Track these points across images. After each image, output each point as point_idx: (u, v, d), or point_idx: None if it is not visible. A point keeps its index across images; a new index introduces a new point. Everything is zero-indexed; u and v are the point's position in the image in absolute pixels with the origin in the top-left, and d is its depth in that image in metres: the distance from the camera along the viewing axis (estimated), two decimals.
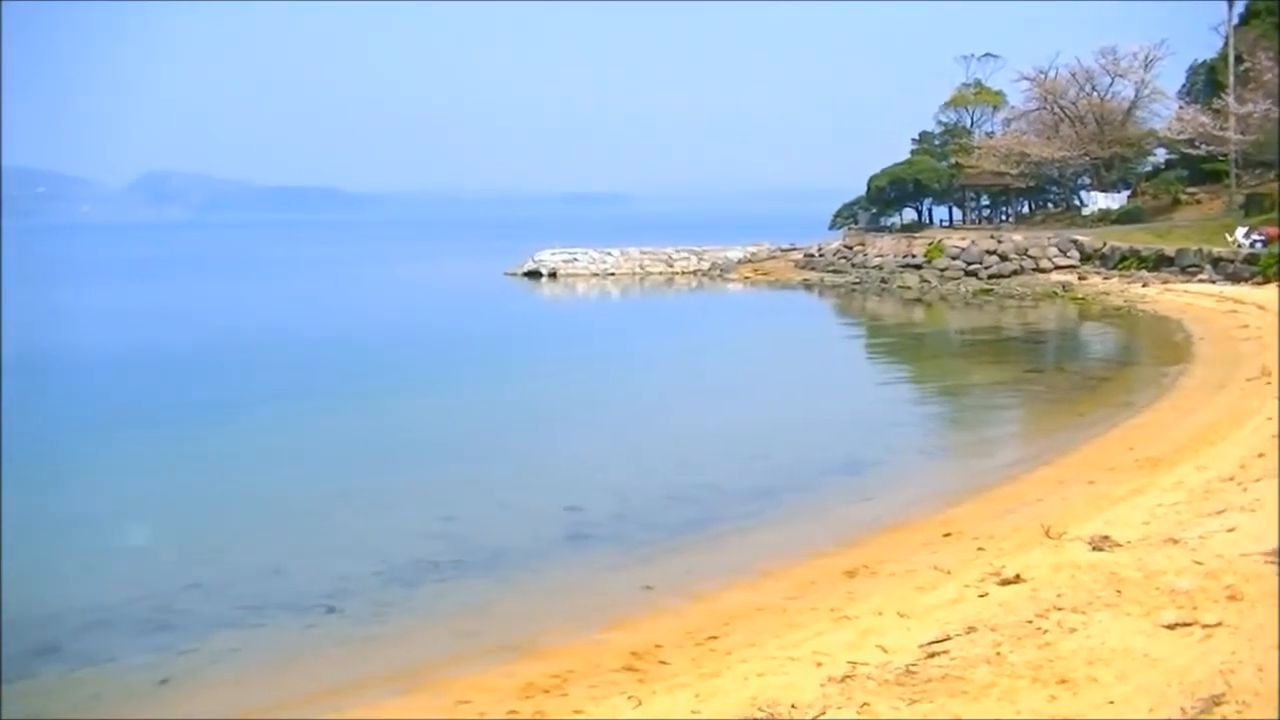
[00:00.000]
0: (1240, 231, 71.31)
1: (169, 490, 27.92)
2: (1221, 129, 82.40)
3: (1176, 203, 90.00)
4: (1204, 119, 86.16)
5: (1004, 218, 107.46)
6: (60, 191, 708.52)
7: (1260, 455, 22.43)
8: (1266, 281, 60.34)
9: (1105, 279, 73.80)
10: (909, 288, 79.17)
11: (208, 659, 17.55)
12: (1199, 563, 14.53)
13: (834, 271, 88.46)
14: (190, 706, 15.89)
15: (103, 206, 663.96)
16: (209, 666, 17.32)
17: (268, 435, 33.63)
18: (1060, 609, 13.51)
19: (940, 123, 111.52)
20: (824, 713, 11.37)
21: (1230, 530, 16.28)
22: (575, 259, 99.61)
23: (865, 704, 11.37)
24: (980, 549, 19.47)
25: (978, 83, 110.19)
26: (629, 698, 13.95)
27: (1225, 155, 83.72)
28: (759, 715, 11.79)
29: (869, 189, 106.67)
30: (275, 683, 16.71)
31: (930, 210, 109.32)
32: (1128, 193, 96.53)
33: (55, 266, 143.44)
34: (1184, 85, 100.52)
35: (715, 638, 16.59)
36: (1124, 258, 75.40)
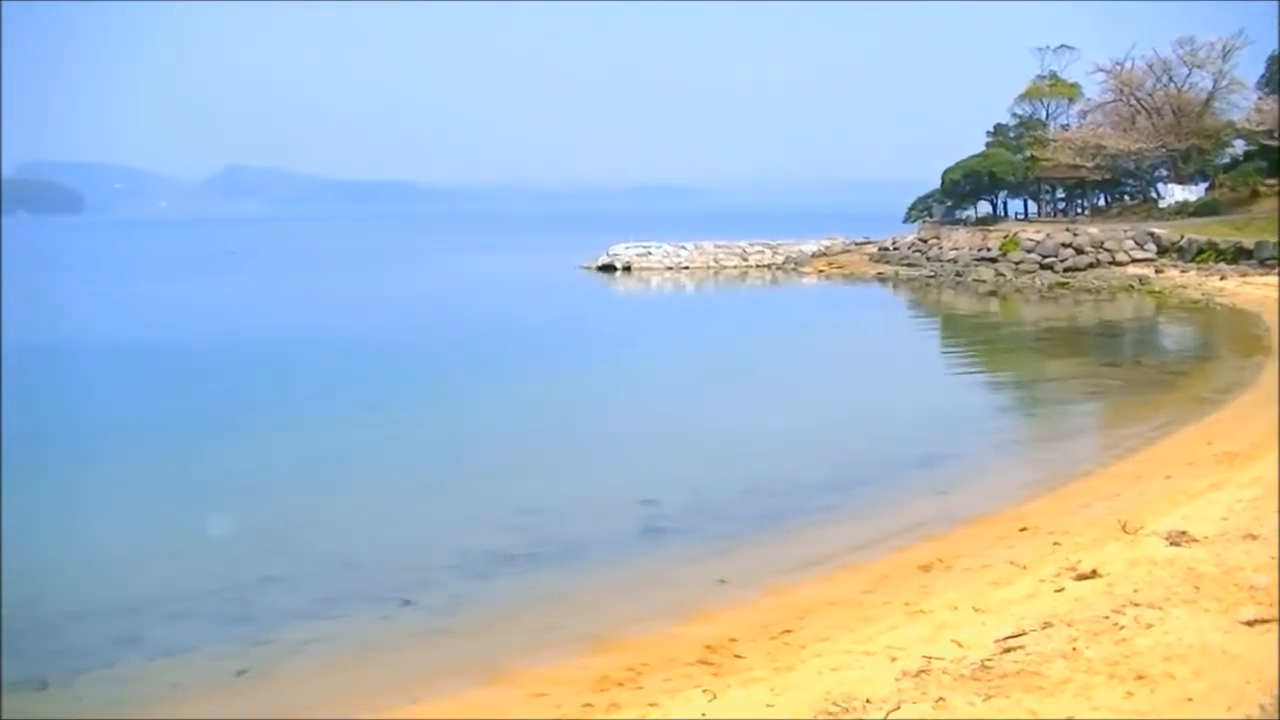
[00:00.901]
0: None
1: (249, 483, 28.17)
2: None
3: (1255, 195, 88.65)
4: None
5: (1079, 211, 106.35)
6: (138, 188, 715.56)
7: None
8: None
9: (1182, 272, 72.94)
10: (984, 281, 78.66)
11: (285, 650, 17.73)
12: (1277, 558, 14.43)
13: (908, 265, 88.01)
14: (267, 698, 16.05)
15: (179, 202, 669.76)
16: (286, 658, 17.50)
17: (346, 429, 33.85)
18: (1137, 605, 13.46)
19: (1015, 115, 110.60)
20: (898, 708, 11.37)
21: None
22: (649, 253, 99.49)
23: (940, 699, 11.37)
24: (1056, 544, 19.39)
25: (1053, 75, 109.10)
26: (703, 691, 13.99)
27: None
28: (834, 710, 11.80)
29: (943, 182, 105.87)
30: (352, 675, 16.88)
31: (1005, 203, 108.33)
32: (1205, 185, 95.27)
33: (132, 261, 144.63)
34: (1263, 76, 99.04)
35: (790, 631, 16.60)
36: (1201, 251, 74.54)
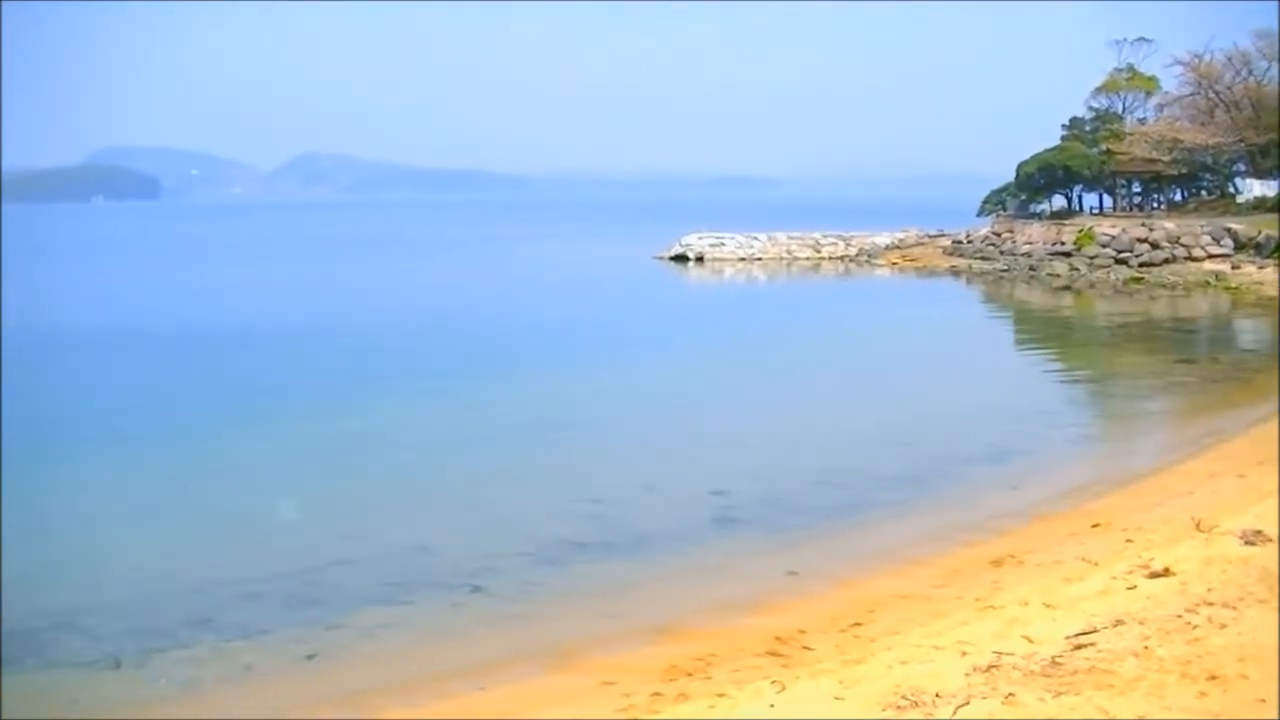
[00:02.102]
0: None
1: (320, 467, 28.45)
2: None
3: None
4: None
5: (1156, 205, 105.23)
6: (213, 174, 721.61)
7: None
8: None
9: (1260, 268, 72.08)
10: (1058, 275, 77.97)
11: (355, 634, 17.88)
12: None
13: (982, 258, 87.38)
14: (337, 681, 16.24)
15: (253, 188, 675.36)
16: (356, 642, 17.65)
17: (419, 415, 34.09)
18: (1211, 604, 13.37)
19: (1091, 108, 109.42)
20: (968, 703, 11.35)
21: None
22: (722, 243, 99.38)
23: (1010, 695, 11.34)
24: (1128, 541, 19.28)
25: (1130, 68, 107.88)
26: (772, 682, 14.00)
27: None
28: (902, 703, 11.80)
29: (1018, 175, 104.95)
30: (421, 659, 17.02)
31: (1080, 197, 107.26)
32: None
33: (208, 246, 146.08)
34: None
35: (859, 624, 16.61)
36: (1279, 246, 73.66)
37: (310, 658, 16.96)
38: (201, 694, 15.94)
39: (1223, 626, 12.41)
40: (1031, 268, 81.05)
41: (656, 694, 14.47)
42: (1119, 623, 13.30)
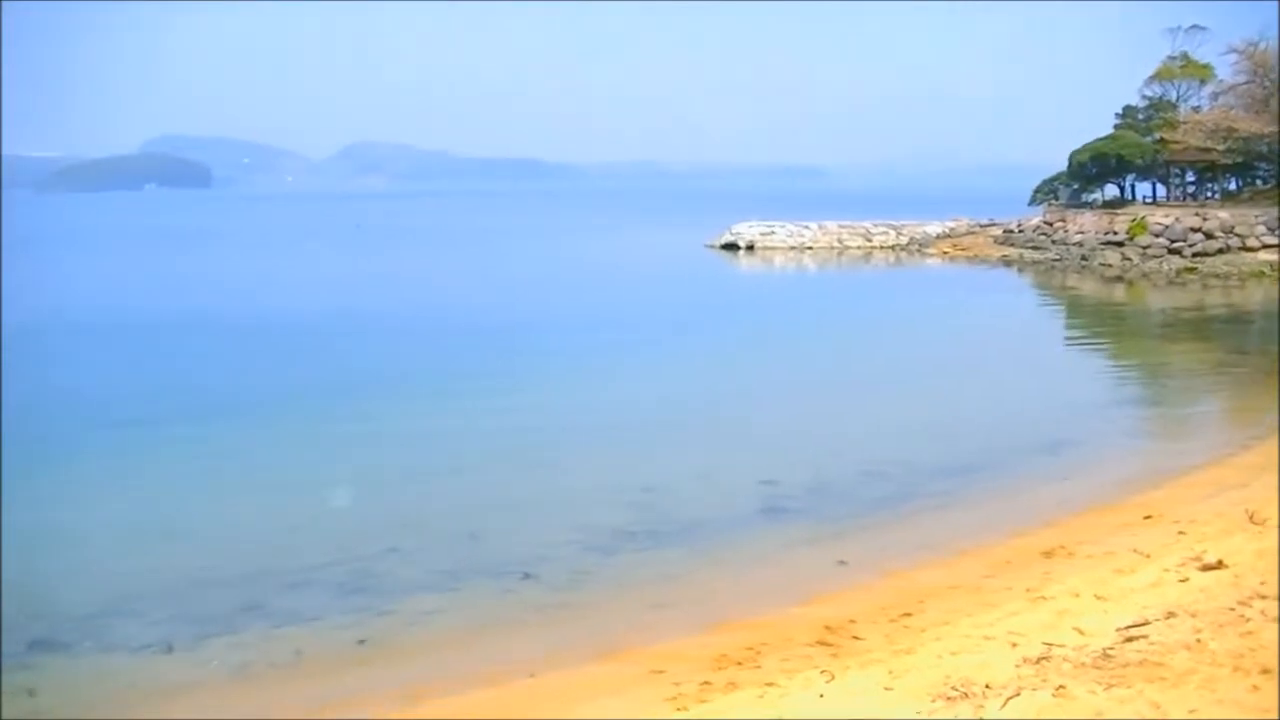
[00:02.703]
0: None
1: (372, 455, 28.59)
2: None
3: None
4: None
5: (1210, 194, 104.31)
6: (265, 163, 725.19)
7: None
8: None
9: None
10: (1110, 265, 77.59)
11: (406, 621, 18.00)
12: None
13: (1033, 248, 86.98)
14: (387, 668, 16.31)
15: (306, 177, 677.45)
16: (407, 629, 17.76)
17: (469, 406, 34.11)
18: (1264, 597, 13.28)
19: (1145, 97, 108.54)
20: (1018, 694, 11.32)
21: None
22: (773, 232, 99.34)
23: (1061, 686, 11.30)
24: (1181, 533, 19.18)
25: (1184, 55, 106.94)
26: (821, 672, 14.02)
27: None
28: (952, 694, 11.78)
29: (1070, 164, 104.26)
30: (471, 647, 17.09)
31: (1133, 186, 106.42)
32: None
33: (259, 234, 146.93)
34: None
35: (909, 614, 16.61)
36: None
37: (361, 643, 17.08)
38: (252, 678, 16.06)
39: (1276, 620, 12.33)
40: (1083, 257, 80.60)
41: (706, 683, 14.51)
42: (1171, 615, 13.23)
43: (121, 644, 16.99)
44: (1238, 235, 76.85)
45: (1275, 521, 17.81)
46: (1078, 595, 15.63)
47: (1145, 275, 74.05)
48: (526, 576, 19.54)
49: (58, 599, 18.71)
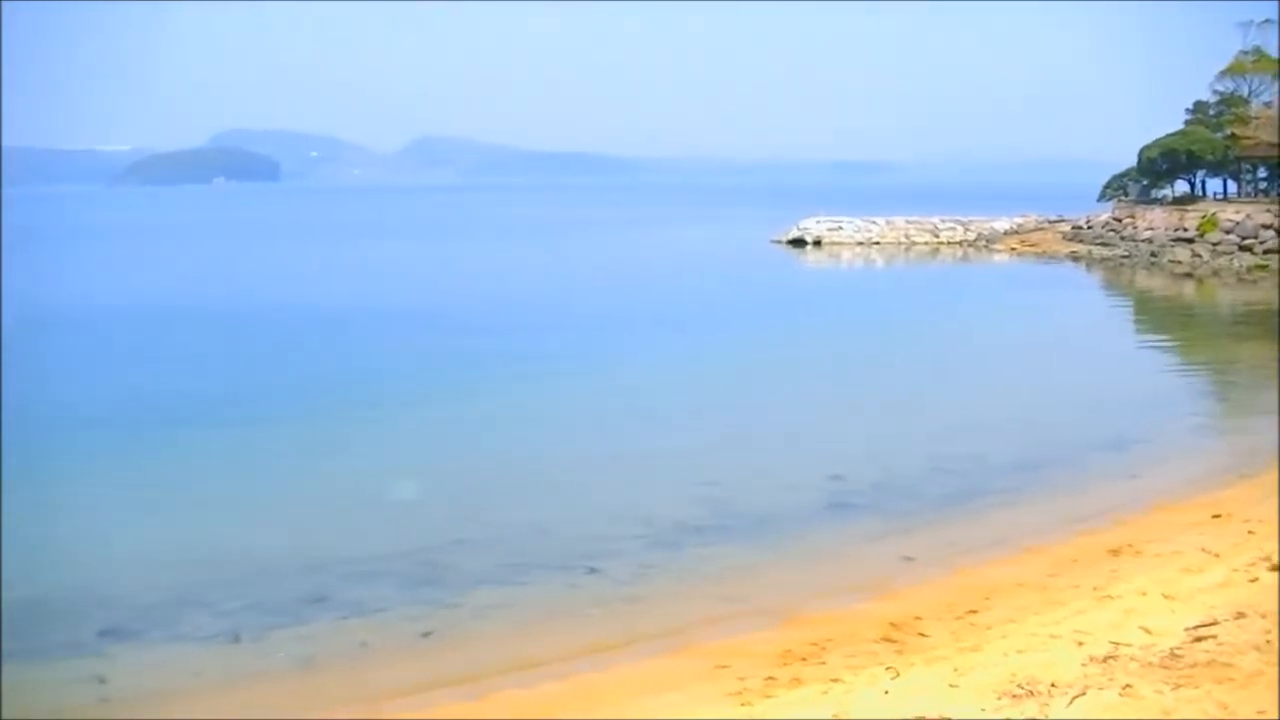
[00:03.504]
0: None
1: (438, 448, 28.77)
2: None
3: None
4: None
5: None
6: (332, 155, 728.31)
7: None
8: None
9: None
10: (1179, 262, 76.90)
11: (470, 614, 18.10)
12: None
13: (1102, 244, 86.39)
14: (451, 660, 16.43)
15: (373, 170, 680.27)
16: (471, 621, 17.86)
17: (536, 398, 34.30)
18: None
19: (1216, 92, 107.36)
20: (1084, 693, 11.29)
21: None
22: (840, 227, 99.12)
23: (1127, 686, 11.26)
24: (1250, 532, 19.01)
25: (1257, 50, 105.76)
26: (886, 668, 14.00)
27: None
28: (1018, 692, 11.75)
29: (1139, 160, 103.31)
30: (536, 640, 17.12)
31: (1203, 182, 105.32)
32: None
33: (326, 227, 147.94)
34: None
35: (975, 612, 16.56)
36: None
37: (425, 636, 17.18)
38: (317, 670, 16.21)
39: None
40: (1153, 254, 79.98)
41: (770, 678, 14.51)
42: (1240, 615, 13.15)
43: (189, 634, 17.18)
44: None
45: None
46: (1145, 594, 15.54)
47: (1215, 272, 73.38)
48: (592, 570, 19.60)
49: (129, 588, 18.90)
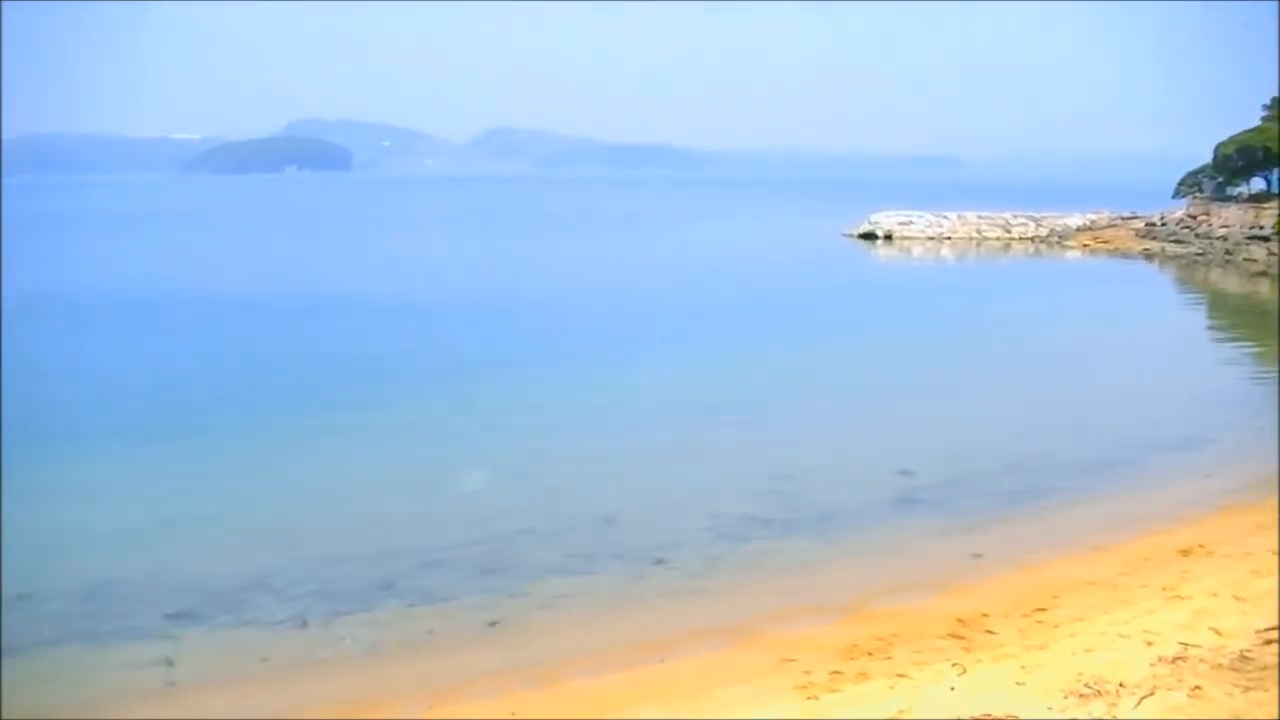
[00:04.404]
0: None
1: (508, 438, 28.87)
2: None
3: None
4: None
5: None
6: (405, 146, 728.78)
7: None
8: None
9: None
10: (1254, 260, 76.00)
11: (537, 603, 18.20)
12: None
13: (1176, 241, 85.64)
14: (517, 649, 16.51)
15: (445, 161, 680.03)
16: (538, 611, 17.95)
17: (604, 389, 34.40)
18: None
19: None
20: (1153, 693, 11.26)
21: None
22: (911, 222, 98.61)
23: (1197, 687, 11.22)
24: None
25: None
26: (953, 665, 14.01)
27: None
28: (1085, 691, 11.73)
29: (1215, 157, 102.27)
30: (602, 631, 17.28)
31: None
32: None
33: (397, 217, 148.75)
34: None
35: (1043, 609, 16.49)
36: None
37: (492, 625, 17.29)
38: (384, 656, 16.36)
39: None
40: (1227, 252, 79.20)
41: (836, 672, 14.53)
42: None
43: (257, 619, 17.39)
44: None
45: None
46: (1215, 595, 15.46)
47: None
48: (659, 562, 19.66)
49: (197, 572, 19.11)
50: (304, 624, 17.15)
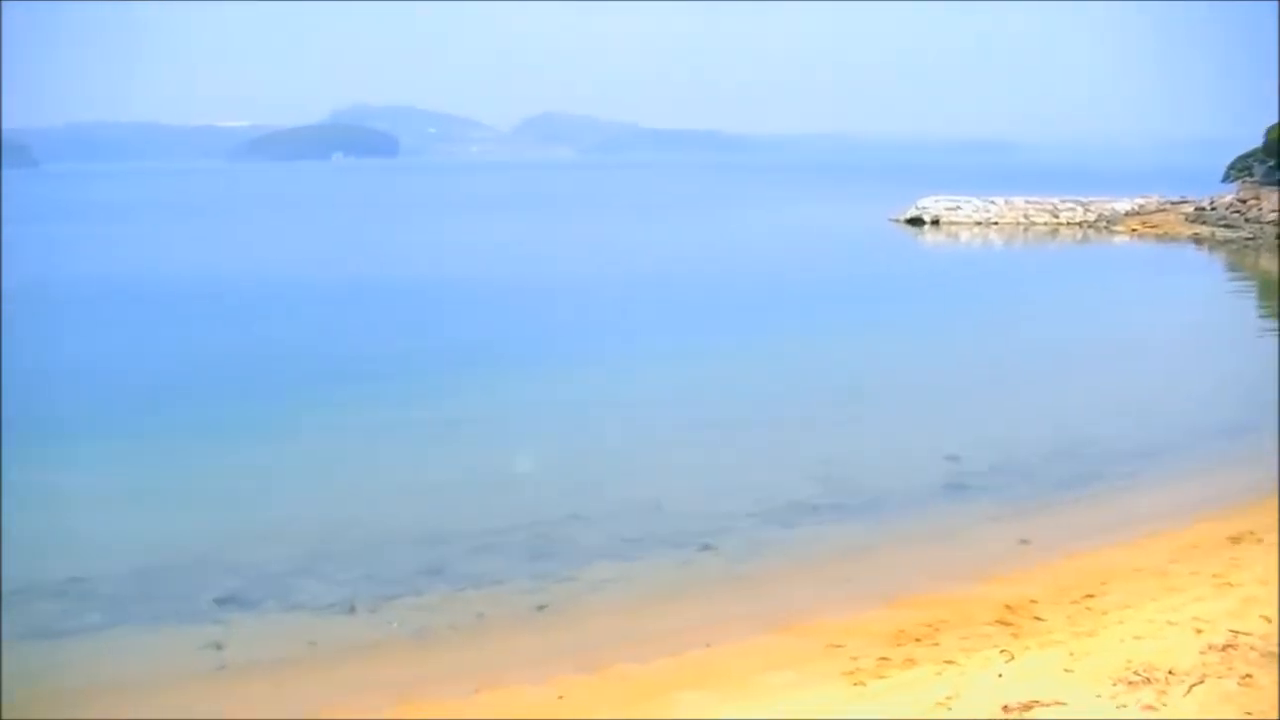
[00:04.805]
0: None
1: (556, 422, 29.01)
2: None
3: None
4: None
5: None
6: (451, 133, 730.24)
7: None
8: None
9: None
10: None
11: (585, 588, 18.26)
12: None
13: (1226, 226, 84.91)
14: (565, 634, 16.60)
15: (491, 147, 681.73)
16: (586, 595, 18.02)
17: (652, 374, 34.49)
18: None
19: None
20: (1202, 681, 11.21)
21: None
22: (958, 207, 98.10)
23: (1247, 676, 11.17)
24: None
25: None
26: (1001, 651, 13.97)
27: None
28: (1134, 679, 11.69)
29: (1266, 140, 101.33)
30: (650, 616, 17.26)
31: None
32: None
33: (444, 203, 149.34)
34: None
35: (1092, 596, 16.43)
36: None
37: (540, 609, 17.35)
38: (431, 641, 16.44)
39: None
40: (1278, 237, 78.42)
41: (883, 658, 14.52)
42: None
43: (306, 602, 17.49)
44: None
45: None
46: (1266, 583, 15.35)
47: None
48: (706, 547, 19.70)
49: (246, 556, 19.23)
50: (352, 609, 17.23)
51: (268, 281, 58.73)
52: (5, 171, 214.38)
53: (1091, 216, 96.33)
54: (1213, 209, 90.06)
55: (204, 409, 29.61)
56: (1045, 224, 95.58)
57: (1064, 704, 11.42)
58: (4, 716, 14.09)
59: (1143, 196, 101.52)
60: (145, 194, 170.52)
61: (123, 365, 36.40)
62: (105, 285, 56.15)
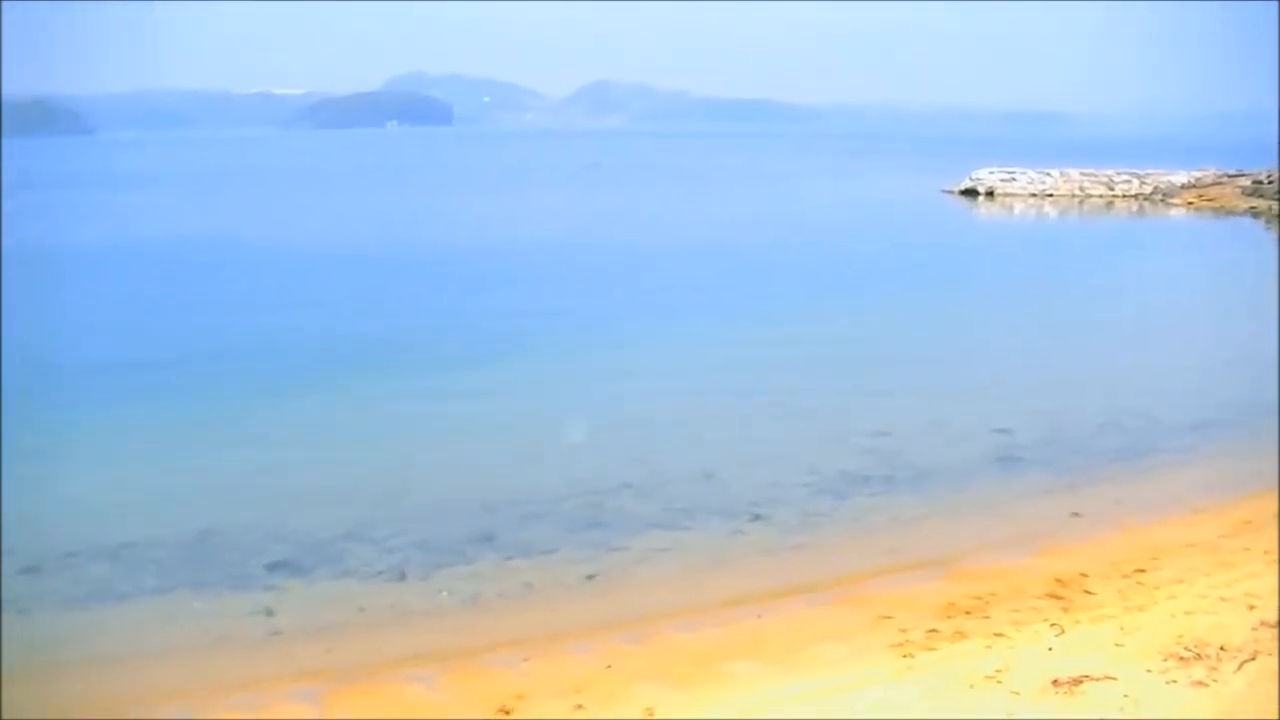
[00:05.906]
0: None
1: (608, 393, 28.98)
2: None
3: None
4: None
5: None
6: (505, 101, 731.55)
7: None
8: None
9: None
10: None
11: (635, 558, 18.31)
12: None
13: None
14: (614, 604, 16.65)
15: (545, 115, 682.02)
16: (636, 565, 18.07)
17: (705, 345, 34.47)
18: None
19: None
20: (1254, 658, 11.16)
21: None
22: (1013, 178, 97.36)
23: None
24: None
25: None
26: (1051, 625, 13.95)
27: None
28: (1185, 655, 11.65)
29: None
30: (699, 586, 17.28)
31: None
32: None
33: (499, 171, 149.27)
34: None
35: (1143, 570, 16.37)
36: None
37: (590, 578, 17.44)
38: (481, 609, 16.54)
39: None
40: None
41: (933, 630, 14.51)
42: None
43: (356, 569, 17.65)
44: None
45: None
46: None
47: None
48: (757, 518, 19.71)
49: (298, 523, 19.36)
50: (402, 576, 17.37)
51: (330, 248, 59.15)
52: (57, 139, 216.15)
53: (1147, 189, 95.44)
54: (1270, 182, 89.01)
55: (258, 375, 29.79)
56: (1100, 196, 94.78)
57: (1114, 678, 11.40)
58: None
59: (1200, 169, 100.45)
60: (199, 162, 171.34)
61: (175, 332, 36.50)
62: (138, 252, 56.79)
